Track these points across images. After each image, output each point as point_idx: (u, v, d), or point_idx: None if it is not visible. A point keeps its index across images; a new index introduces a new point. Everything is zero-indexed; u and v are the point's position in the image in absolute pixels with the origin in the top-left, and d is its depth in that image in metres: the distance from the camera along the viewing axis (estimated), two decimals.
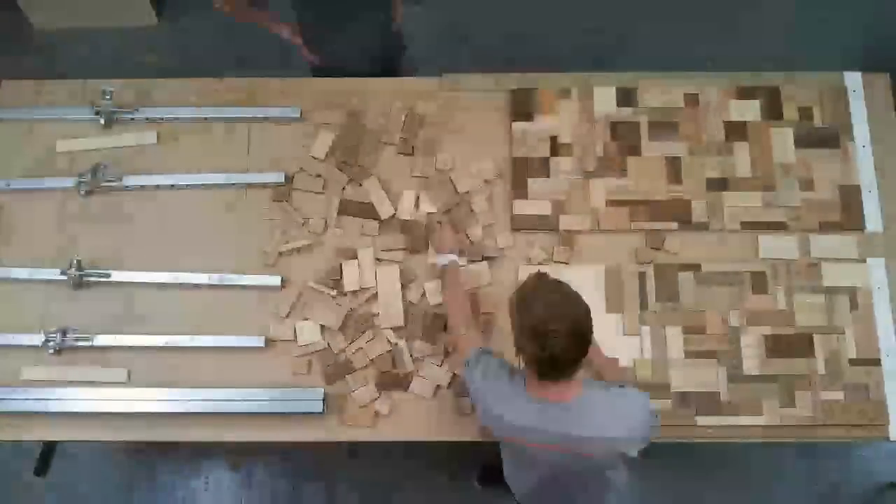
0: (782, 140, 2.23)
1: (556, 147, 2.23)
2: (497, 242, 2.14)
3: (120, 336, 2.05)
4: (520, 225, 2.16)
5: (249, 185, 2.21)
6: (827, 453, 2.86)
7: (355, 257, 2.11)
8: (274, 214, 2.18)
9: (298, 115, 2.28)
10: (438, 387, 2.01)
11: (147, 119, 2.28)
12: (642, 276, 2.11)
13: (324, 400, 1.97)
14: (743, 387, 2.01)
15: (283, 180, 2.20)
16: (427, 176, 2.22)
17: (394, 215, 2.16)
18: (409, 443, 2.02)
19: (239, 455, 2.89)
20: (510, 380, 1.59)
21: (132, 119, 2.28)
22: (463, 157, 2.24)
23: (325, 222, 2.17)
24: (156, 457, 2.89)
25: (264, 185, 2.21)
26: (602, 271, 2.11)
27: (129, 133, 2.28)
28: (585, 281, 2.10)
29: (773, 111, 2.26)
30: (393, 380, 2.02)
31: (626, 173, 2.20)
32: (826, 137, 2.24)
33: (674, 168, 2.21)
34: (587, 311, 1.46)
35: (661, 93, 2.28)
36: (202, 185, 2.21)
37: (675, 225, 2.16)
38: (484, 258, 2.12)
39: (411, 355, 2.03)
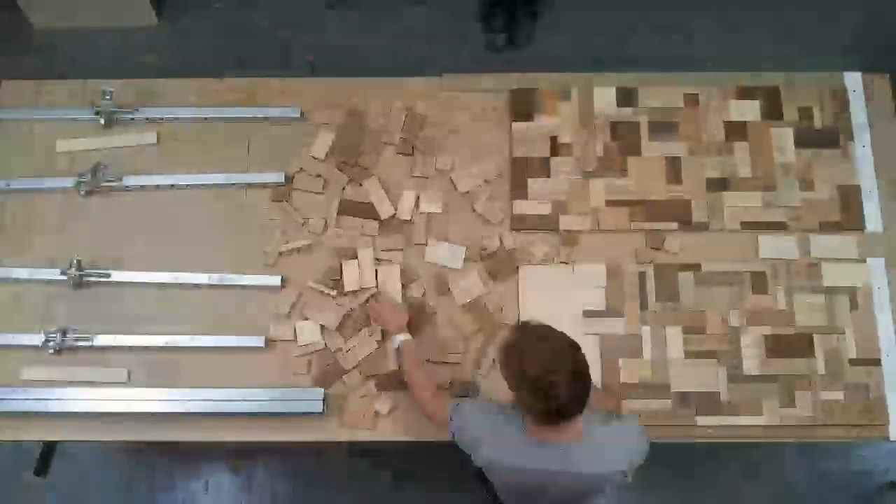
0: (782, 140, 2.23)
1: (556, 147, 2.23)
2: (503, 243, 2.14)
3: (120, 336, 2.05)
4: (520, 225, 2.16)
5: (249, 185, 2.21)
6: (827, 453, 2.86)
7: (355, 257, 2.11)
8: (274, 214, 2.18)
9: (298, 115, 2.28)
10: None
11: (147, 119, 2.28)
12: (642, 276, 2.11)
13: (324, 400, 1.96)
14: (743, 387, 2.01)
15: (283, 180, 2.19)
16: (427, 176, 2.22)
17: (394, 215, 2.16)
18: (409, 443, 2.02)
19: (239, 456, 2.89)
20: (505, 423, 1.57)
21: (132, 119, 2.27)
22: (463, 157, 2.24)
23: (325, 222, 2.17)
24: (156, 457, 2.88)
25: (264, 185, 2.21)
26: (602, 271, 2.11)
27: (129, 133, 2.28)
28: (586, 281, 2.10)
29: (773, 111, 2.26)
30: (393, 380, 2.02)
31: (626, 173, 2.20)
32: (826, 137, 2.24)
33: (674, 168, 2.21)
34: (578, 349, 1.45)
35: (661, 93, 2.28)
36: (202, 185, 2.21)
37: (675, 225, 2.16)
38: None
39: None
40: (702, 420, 1.99)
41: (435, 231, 2.16)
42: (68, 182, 2.20)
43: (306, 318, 2.07)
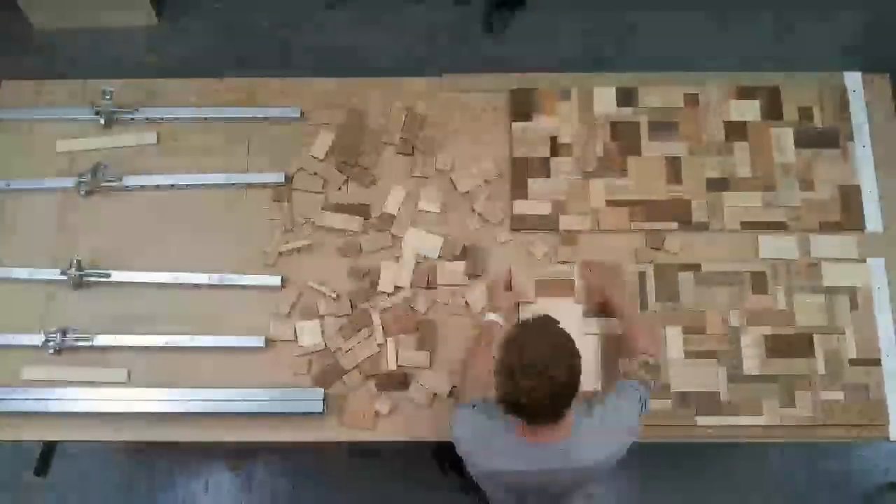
0: (782, 140, 2.23)
1: (556, 147, 2.23)
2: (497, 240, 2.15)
3: (120, 336, 2.05)
4: (520, 225, 2.16)
5: (249, 185, 2.21)
6: (827, 453, 2.87)
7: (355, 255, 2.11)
8: (274, 214, 2.18)
9: (298, 115, 2.28)
10: (435, 395, 2.00)
11: (147, 119, 2.28)
12: (642, 276, 2.11)
13: (324, 400, 1.97)
14: (743, 387, 2.01)
15: (283, 180, 2.19)
16: (427, 176, 2.22)
17: (394, 215, 2.17)
18: (409, 443, 2.02)
19: (239, 456, 2.89)
20: (499, 429, 1.55)
21: (132, 119, 2.27)
22: (463, 157, 2.24)
23: (325, 222, 2.16)
24: (156, 457, 2.88)
25: (264, 185, 2.21)
26: None
27: (129, 133, 2.28)
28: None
29: (773, 111, 2.26)
30: (392, 380, 2.02)
31: (626, 173, 2.20)
32: (826, 137, 2.24)
33: (674, 168, 2.21)
34: (574, 354, 1.43)
35: (661, 93, 2.28)
36: (202, 185, 2.21)
37: (675, 225, 2.16)
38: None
39: (396, 357, 2.03)
40: (702, 420, 1.99)
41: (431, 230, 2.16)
42: (68, 182, 2.20)
43: (306, 318, 2.07)
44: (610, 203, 2.18)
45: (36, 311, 2.10)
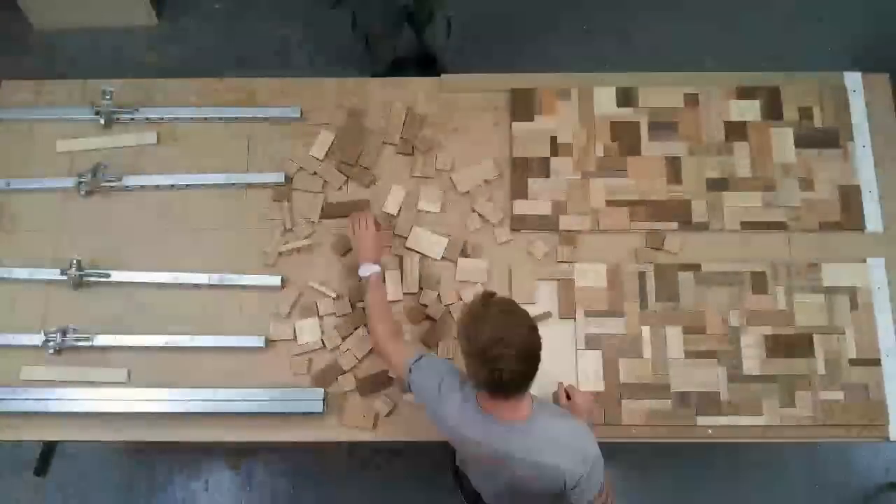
0: (782, 140, 2.23)
1: (556, 147, 2.23)
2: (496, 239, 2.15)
3: (120, 336, 2.05)
4: (520, 225, 2.16)
5: (249, 185, 2.21)
6: (827, 453, 2.87)
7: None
8: (274, 214, 2.18)
9: (298, 115, 2.28)
10: None
11: (147, 119, 2.28)
12: (642, 275, 2.11)
13: (324, 400, 1.97)
14: (743, 387, 2.01)
15: (283, 180, 2.19)
16: (427, 176, 2.22)
17: (395, 216, 2.17)
18: (409, 443, 2.02)
19: (239, 456, 2.89)
20: (461, 388, 1.57)
21: (132, 119, 2.27)
22: (463, 157, 2.24)
23: (325, 222, 2.16)
24: (156, 457, 2.89)
25: (264, 185, 2.21)
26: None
27: (129, 133, 2.28)
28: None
29: (773, 111, 2.26)
30: (392, 380, 2.02)
31: (626, 173, 2.20)
32: (826, 137, 2.24)
33: (674, 168, 2.21)
34: (536, 331, 1.44)
35: (661, 93, 2.28)
36: (202, 185, 2.21)
37: (675, 225, 2.16)
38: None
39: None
40: (702, 420, 1.99)
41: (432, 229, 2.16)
42: (68, 182, 2.20)
43: (306, 318, 2.07)
44: (610, 203, 2.18)
45: (36, 311, 2.10)
